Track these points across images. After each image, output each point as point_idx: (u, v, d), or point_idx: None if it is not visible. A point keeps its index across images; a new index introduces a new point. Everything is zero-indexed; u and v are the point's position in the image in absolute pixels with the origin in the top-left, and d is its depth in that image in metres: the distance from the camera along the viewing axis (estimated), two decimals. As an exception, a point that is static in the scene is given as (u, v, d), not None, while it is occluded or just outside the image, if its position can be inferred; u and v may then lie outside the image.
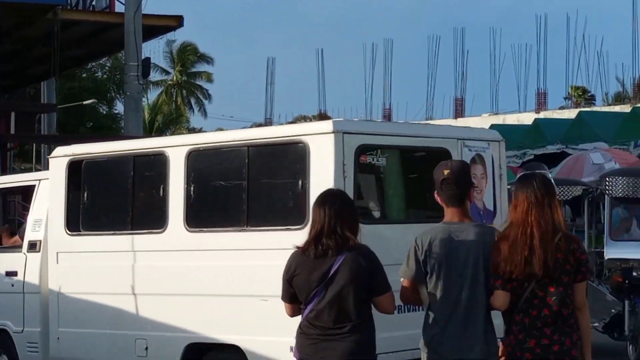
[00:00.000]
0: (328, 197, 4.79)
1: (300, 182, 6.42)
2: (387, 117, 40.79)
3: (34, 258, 8.13)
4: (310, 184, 6.28)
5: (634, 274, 11.64)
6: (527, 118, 30.92)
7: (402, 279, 4.59)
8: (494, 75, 41.12)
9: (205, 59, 56.19)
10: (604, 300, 11.60)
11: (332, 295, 4.51)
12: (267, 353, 6.60)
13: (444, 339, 4.35)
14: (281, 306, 4.99)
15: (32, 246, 8.21)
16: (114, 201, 7.96)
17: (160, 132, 44.50)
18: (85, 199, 7.76)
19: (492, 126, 26.49)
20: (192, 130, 50.76)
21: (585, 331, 4.39)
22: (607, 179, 12.57)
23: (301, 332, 4.66)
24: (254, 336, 6.74)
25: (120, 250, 7.62)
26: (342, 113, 45.39)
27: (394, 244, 6.17)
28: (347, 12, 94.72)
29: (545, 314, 4.17)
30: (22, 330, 8.30)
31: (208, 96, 57.31)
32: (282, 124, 30.70)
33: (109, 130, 35.28)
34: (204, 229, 7.04)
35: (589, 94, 43.28)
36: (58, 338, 8.02)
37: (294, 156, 6.65)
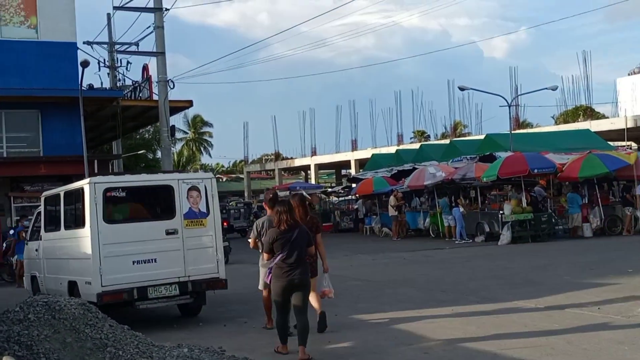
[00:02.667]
0: (285, 201, 8.22)
1: (81, 207, 10.13)
2: (314, 152, 59.69)
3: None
4: (85, 207, 9.90)
5: None
6: (392, 149, 42.12)
7: (249, 239, 9.45)
8: (373, 126, 59.58)
9: (208, 124, 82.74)
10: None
11: (293, 249, 7.71)
12: (83, 287, 10.14)
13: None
14: (79, 264, 10.02)
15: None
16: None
17: (183, 167, 62.72)
18: None
19: (373, 155, 39.18)
20: (202, 166, 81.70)
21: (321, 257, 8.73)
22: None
23: (277, 267, 7.79)
24: (80, 277, 10.27)
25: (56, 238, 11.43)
26: (289, 152, 70.16)
27: (131, 233, 9.98)
28: (287, 91, 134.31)
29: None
30: None
31: (211, 145, 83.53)
32: (254, 160, 61.65)
33: (154, 167, 44.82)
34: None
35: (426, 134, 61.00)
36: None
37: (81, 194, 10.19)
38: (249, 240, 9.73)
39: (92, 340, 6.30)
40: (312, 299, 8.90)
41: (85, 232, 10.01)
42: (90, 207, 9.88)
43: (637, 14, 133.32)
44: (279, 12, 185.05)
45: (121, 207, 10.56)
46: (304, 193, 17.48)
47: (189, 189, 10.35)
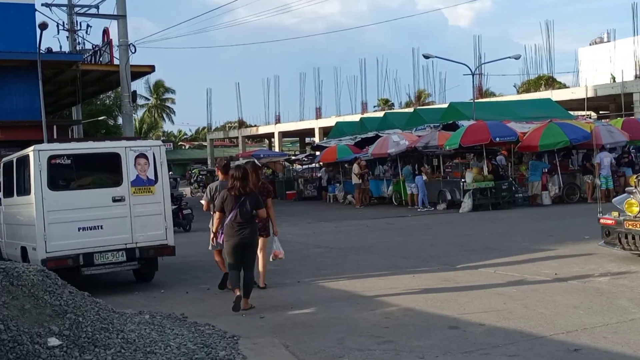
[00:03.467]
0: (238, 167, 8.82)
1: (27, 172, 10.21)
2: (278, 119, 59.78)
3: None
4: (30, 175, 10.00)
5: None
6: (356, 117, 42.13)
7: (202, 201, 10.04)
8: (337, 94, 63.19)
9: (170, 90, 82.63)
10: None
11: (242, 210, 8.46)
12: (31, 252, 10.25)
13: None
14: (28, 230, 10.12)
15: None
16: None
17: (145, 134, 61.16)
18: None
19: (337, 123, 38.96)
20: (164, 133, 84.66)
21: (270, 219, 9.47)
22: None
23: (228, 227, 8.47)
24: (28, 242, 10.42)
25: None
26: (253, 119, 72.67)
27: (77, 201, 10.09)
28: (251, 57, 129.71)
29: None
30: None
31: (173, 112, 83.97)
32: (217, 127, 63.73)
33: (115, 134, 43.99)
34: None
35: (390, 103, 60.79)
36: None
37: (27, 161, 10.24)
38: (202, 202, 10.18)
39: (51, 307, 6.23)
40: (260, 258, 9.61)
41: (31, 199, 10.08)
42: (34, 174, 9.95)
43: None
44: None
45: (67, 175, 10.57)
46: (256, 161, 18.54)
47: (137, 157, 10.44)
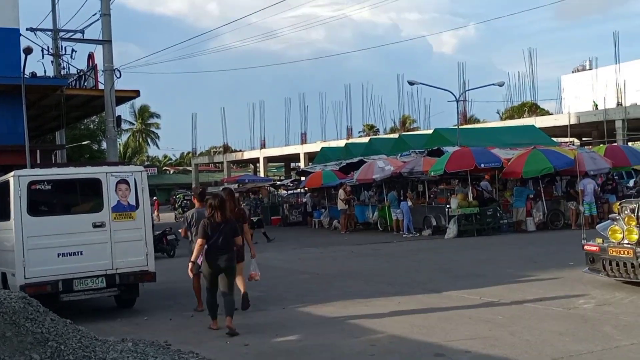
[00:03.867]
0: (215, 196, 9.07)
1: (7, 198, 10.10)
2: (263, 145, 60.88)
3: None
4: (10, 200, 9.90)
5: None
6: (341, 143, 42.55)
7: (180, 230, 11.12)
8: (323, 119, 62.38)
9: (155, 115, 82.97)
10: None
11: (221, 237, 8.81)
12: (10, 278, 10.08)
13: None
14: (7, 255, 10.00)
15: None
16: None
17: (129, 159, 61.20)
18: None
19: (323, 148, 38.87)
20: (149, 158, 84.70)
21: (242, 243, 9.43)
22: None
23: (208, 251, 8.78)
24: (8, 268, 10.24)
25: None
26: (238, 144, 71.62)
27: (57, 226, 9.98)
28: (236, 82, 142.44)
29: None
30: None
31: (157, 137, 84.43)
32: (202, 152, 63.37)
33: (99, 158, 43.57)
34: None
35: (375, 128, 60.96)
36: None
37: (7, 187, 10.19)
38: (180, 230, 10.54)
39: (32, 335, 6.13)
40: (239, 281, 9.83)
41: (10, 225, 10.03)
42: (14, 200, 9.92)
43: (585, 12, 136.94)
44: (229, 2, 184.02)
45: (47, 200, 10.54)
46: (232, 188, 19.48)
47: (118, 182, 10.44)
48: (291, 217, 34.64)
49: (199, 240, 8.92)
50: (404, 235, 23.63)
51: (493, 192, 24.11)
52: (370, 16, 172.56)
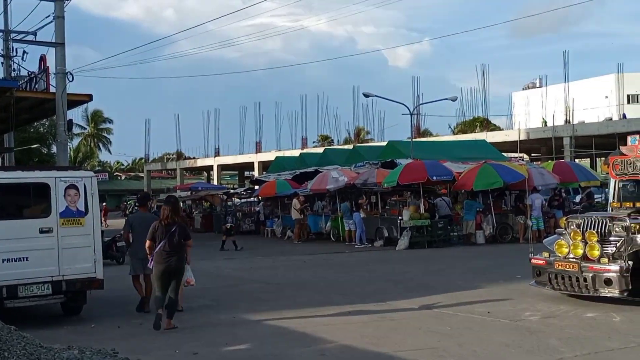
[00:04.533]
0: (169, 198, 9.96)
1: None
2: (217, 152, 60.71)
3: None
4: None
5: None
6: (296, 152, 43.11)
7: (123, 232, 11.62)
8: (278, 129, 60.38)
9: (108, 120, 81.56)
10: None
11: (171, 239, 9.33)
12: None
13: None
14: None
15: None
16: None
17: (80, 164, 60.09)
18: None
19: (277, 157, 39.04)
20: (100, 163, 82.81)
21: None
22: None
23: (158, 254, 9.28)
24: None
25: None
26: (192, 151, 71.33)
27: (1, 231, 9.66)
28: (191, 89, 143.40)
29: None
30: None
31: (110, 142, 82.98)
32: (155, 158, 62.85)
33: (48, 162, 42.58)
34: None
35: (330, 139, 61.46)
36: None
37: None
38: (122, 232, 11.27)
39: (-26, 342, 5.97)
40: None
41: None
42: None
43: (539, 31, 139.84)
44: (186, 9, 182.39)
45: None
46: (176, 196, 20.73)
47: (67, 187, 10.23)
48: (244, 225, 34.44)
49: (147, 242, 9.42)
50: (356, 246, 23.71)
51: (449, 207, 24.27)
52: (327, 28, 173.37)
